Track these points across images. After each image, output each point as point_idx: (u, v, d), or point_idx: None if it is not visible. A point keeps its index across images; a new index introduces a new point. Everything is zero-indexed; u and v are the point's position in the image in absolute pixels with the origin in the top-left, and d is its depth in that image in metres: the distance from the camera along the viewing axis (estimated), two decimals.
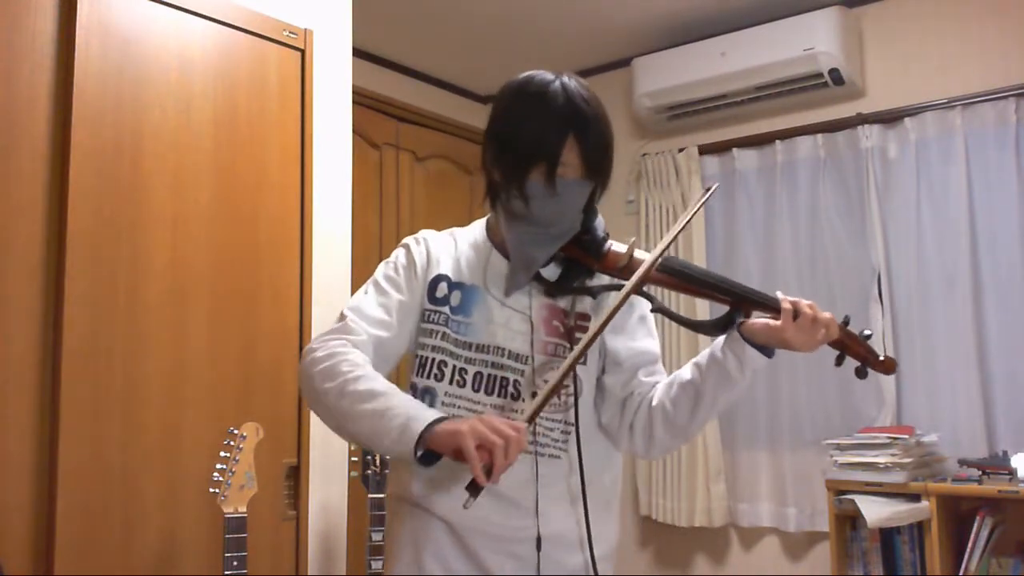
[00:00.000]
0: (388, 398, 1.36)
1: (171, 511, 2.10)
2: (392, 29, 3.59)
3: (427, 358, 1.50)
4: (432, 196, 4.00)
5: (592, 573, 1.47)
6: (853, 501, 2.91)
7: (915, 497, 2.85)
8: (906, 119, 3.28)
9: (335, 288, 2.52)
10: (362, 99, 3.32)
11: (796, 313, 1.40)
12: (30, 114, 1.96)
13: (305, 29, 2.50)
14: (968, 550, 2.80)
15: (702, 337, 3.55)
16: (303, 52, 2.48)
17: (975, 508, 2.86)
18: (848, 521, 3.04)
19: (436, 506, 1.46)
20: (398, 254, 1.58)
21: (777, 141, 3.57)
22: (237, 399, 2.25)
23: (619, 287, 1.45)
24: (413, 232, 1.63)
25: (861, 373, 1.52)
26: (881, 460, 2.91)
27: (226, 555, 1.98)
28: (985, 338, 3.08)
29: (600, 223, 1.53)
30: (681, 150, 3.77)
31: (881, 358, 1.53)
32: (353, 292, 1.69)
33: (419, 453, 1.32)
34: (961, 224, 3.13)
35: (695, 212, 1.54)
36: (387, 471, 2.38)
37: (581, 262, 1.49)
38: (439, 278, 1.53)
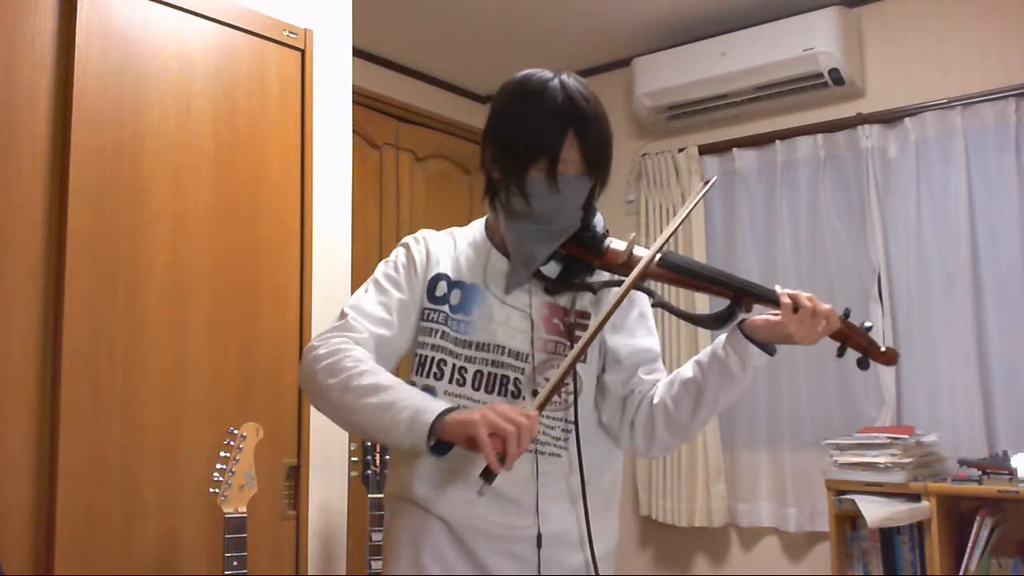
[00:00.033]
0: (394, 391, 1.36)
1: (171, 511, 2.10)
2: (392, 29, 3.59)
3: (426, 357, 1.50)
4: (432, 196, 4.00)
5: (593, 572, 1.47)
6: (853, 501, 2.91)
7: (915, 497, 2.85)
8: (906, 119, 3.29)
9: (335, 288, 2.52)
10: (362, 99, 3.32)
11: (796, 306, 1.41)
12: (30, 114, 1.96)
13: (305, 29, 2.50)
14: (968, 550, 2.80)
15: (702, 334, 3.57)
16: (303, 52, 2.48)
17: (975, 508, 2.86)
18: (848, 521, 3.04)
19: (435, 505, 1.46)
20: (398, 253, 1.58)
21: (777, 141, 3.57)
22: (237, 399, 2.25)
23: (619, 283, 1.45)
24: (413, 232, 1.63)
25: (863, 364, 1.52)
26: (881, 460, 2.91)
27: (226, 555, 1.98)
28: (985, 338, 3.08)
29: (599, 220, 1.53)
30: (681, 150, 3.77)
31: (882, 349, 1.53)
32: (353, 292, 1.69)
33: (431, 444, 1.32)
34: (961, 224, 3.13)
35: (695, 205, 1.54)
36: (387, 471, 2.38)
37: (581, 259, 1.50)
38: (438, 277, 1.53)
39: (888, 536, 2.96)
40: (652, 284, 1.50)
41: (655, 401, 1.51)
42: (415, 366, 1.51)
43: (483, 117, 1.53)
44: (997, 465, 2.79)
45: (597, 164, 1.46)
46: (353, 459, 2.53)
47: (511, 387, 1.46)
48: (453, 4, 3.42)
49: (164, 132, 2.16)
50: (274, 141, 2.40)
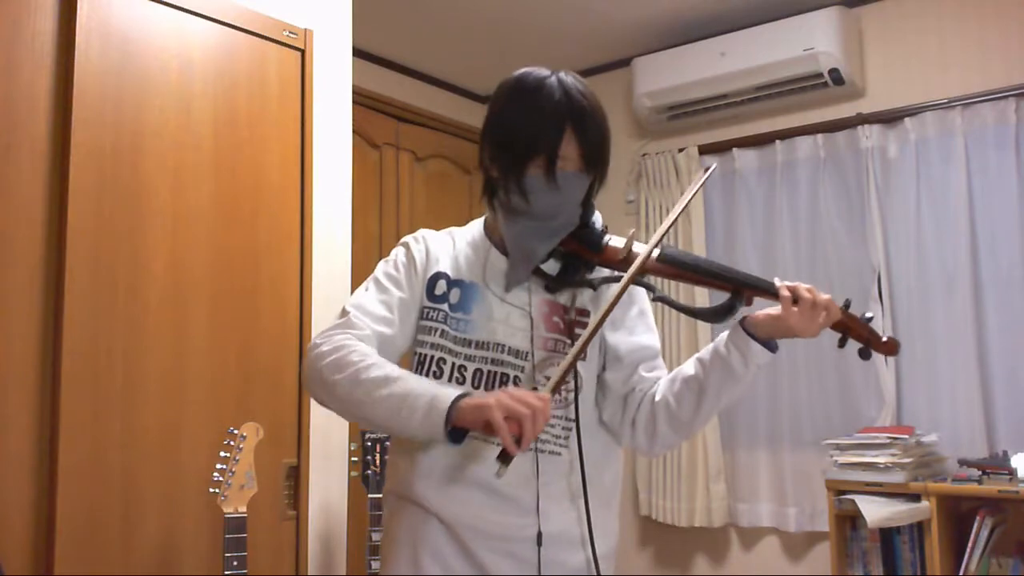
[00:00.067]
0: (405, 381, 1.37)
1: (171, 511, 2.10)
2: (392, 29, 3.59)
3: (426, 355, 1.50)
4: (432, 196, 4.00)
5: (594, 571, 1.47)
6: (853, 501, 2.91)
7: (915, 497, 2.85)
8: (906, 119, 3.29)
9: (335, 288, 2.52)
10: (362, 99, 3.32)
11: (795, 298, 1.41)
12: (30, 114, 1.96)
13: (305, 29, 2.50)
14: (968, 550, 2.80)
15: (702, 331, 3.57)
16: (303, 52, 2.48)
17: (975, 508, 2.86)
18: (848, 521, 3.04)
19: (434, 504, 1.46)
20: (398, 252, 1.58)
21: (777, 141, 3.57)
22: (237, 399, 2.25)
23: (619, 279, 1.45)
24: (413, 232, 1.63)
25: (864, 355, 1.51)
26: (881, 460, 2.91)
27: (226, 555, 1.98)
28: (985, 338, 3.08)
29: (598, 217, 1.54)
30: (681, 150, 3.77)
31: (883, 339, 1.52)
32: (353, 292, 1.69)
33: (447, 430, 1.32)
34: (961, 224, 3.13)
35: (695, 194, 1.53)
36: (386, 469, 2.38)
37: (581, 256, 1.50)
38: (438, 275, 1.53)
39: (888, 536, 2.96)
40: (652, 279, 1.50)
41: (657, 399, 1.51)
42: (415, 365, 1.51)
43: (483, 117, 1.53)
44: (997, 465, 2.79)
45: (595, 160, 1.46)
46: (353, 459, 2.53)
47: (511, 385, 1.46)
48: (453, 4, 3.42)
49: (164, 132, 2.16)
50: (274, 141, 2.40)
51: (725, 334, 1.47)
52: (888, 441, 2.92)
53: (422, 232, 1.61)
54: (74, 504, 1.93)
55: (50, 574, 1.89)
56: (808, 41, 3.29)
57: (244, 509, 2.03)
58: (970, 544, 2.80)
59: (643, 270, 1.45)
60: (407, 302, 1.52)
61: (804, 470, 3.39)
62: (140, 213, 2.10)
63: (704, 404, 1.47)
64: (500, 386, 1.47)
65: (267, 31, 2.40)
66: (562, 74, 1.47)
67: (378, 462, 2.49)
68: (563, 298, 1.51)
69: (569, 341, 1.49)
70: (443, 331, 1.50)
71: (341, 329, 1.46)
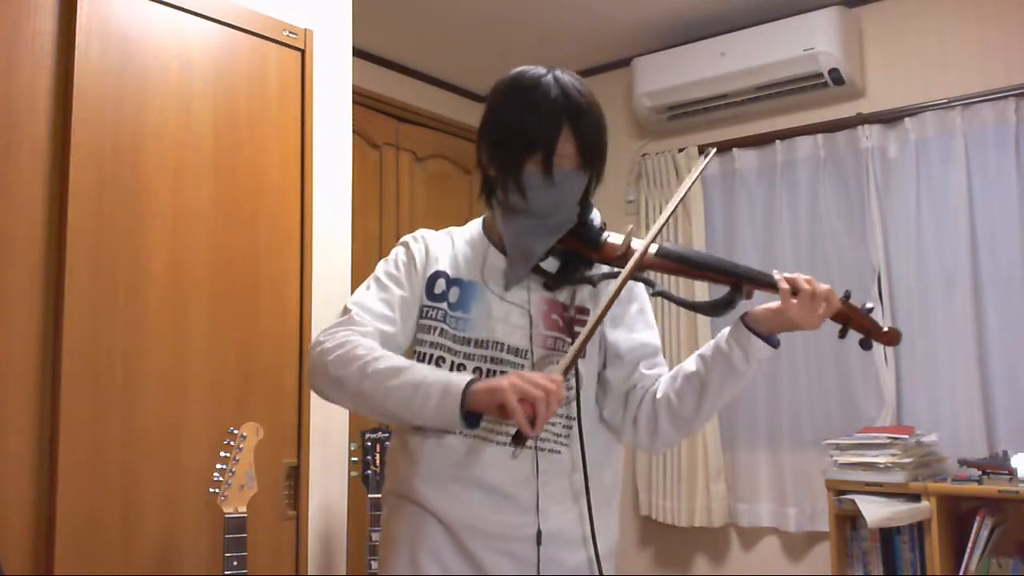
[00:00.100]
0: (414, 371, 1.38)
1: (171, 511, 2.10)
2: (392, 29, 3.59)
3: (425, 354, 1.50)
4: (432, 196, 4.00)
5: (595, 571, 1.47)
6: (853, 501, 2.91)
7: (915, 497, 2.85)
8: (906, 119, 3.29)
9: (335, 288, 2.52)
10: (362, 99, 3.32)
11: (795, 289, 1.40)
12: (30, 114, 1.96)
13: (305, 29, 2.50)
14: (968, 550, 2.80)
15: (701, 327, 3.57)
16: (303, 52, 2.48)
17: (975, 508, 2.86)
18: (848, 521, 3.04)
19: (433, 504, 1.46)
20: (397, 252, 1.59)
21: (777, 141, 3.57)
22: (237, 399, 2.25)
23: (618, 275, 1.45)
24: (413, 232, 1.63)
25: (865, 345, 1.51)
26: (881, 460, 2.91)
27: (226, 555, 1.98)
28: (985, 338, 3.08)
29: (596, 214, 1.53)
30: (681, 150, 3.77)
31: (884, 330, 1.50)
32: (353, 292, 1.69)
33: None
34: (961, 224, 3.13)
35: (695, 179, 1.53)
36: (386, 468, 2.38)
37: (579, 253, 1.50)
38: (437, 274, 1.54)
39: (888, 536, 2.96)
40: (651, 274, 1.50)
41: (658, 396, 1.51)
42: None
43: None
44: (997, 465, 2.79)
45: (592, 158, 1.46)
46: (353, 459, 2.53)
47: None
48: (453, 4, 3.42)
49: (164, 132, 2.16)
50: (274, 141, 2.40)
51: (726, 330, 1.47)
52: (888, 441, 2.92)
53: (421, 232, 1.62)
54: (74, 504, 1.93)
55: (50, 574, 1.89)
56: (808, 41, 3.29)
57: (244, 509, 2.03)
58: (970, 544, 2.80)
59: (642, 265, 1.45)
60: (408, 300, 1.52)
61: (804, 470, 3.39)
62: (140, 213, 2.10)
63: (706, 401, 1.47)
64: None
65: (267, 31, 2.40)
66: (558, 72, 1.47)
67: (378, 462, 2.49)
68: (562, 296, 1.52)
69: (569, 339, 1.49)
70: (442, 330, 1.50)
71: (343, 326, 1.46)
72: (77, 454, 1.94)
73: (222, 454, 2.06)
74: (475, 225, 1.62)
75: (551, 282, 1.50)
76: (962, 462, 2.89)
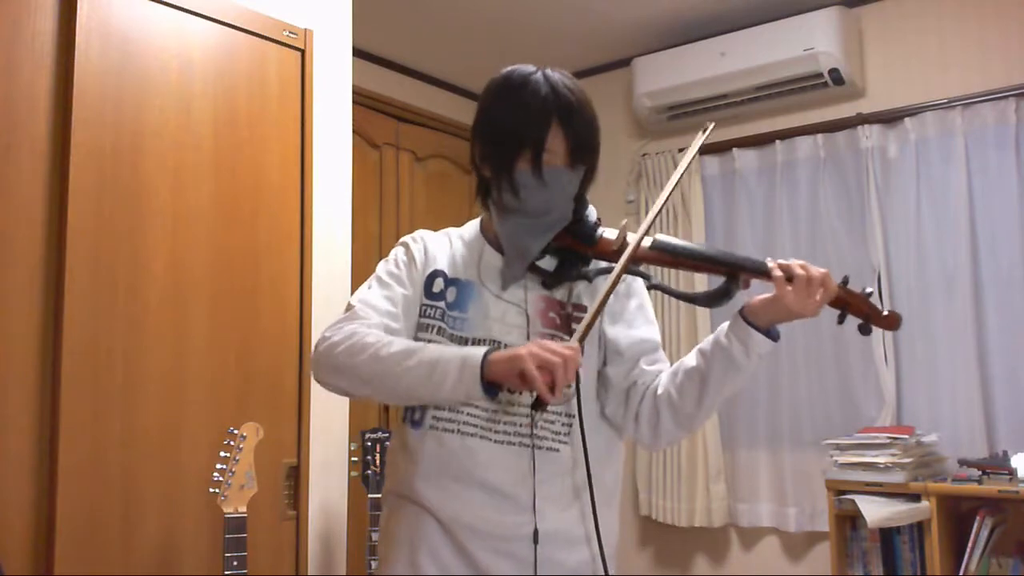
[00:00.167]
0: (428, 350, 1.39)
1: (171, 511, 2.10)
2: (392, 29, 3.59)
3: None
4: (432, 196, 4.01)
5: (597, 570, 1.46)
6: (853, 501, 2.91)
7: (915, 497, 2.85)
8: (906, 119, 3.29)
9: (335, 288, 2.52)
10: (362, 99, 3.32)
11: (789, 276, 1.39)
12: (30, 114, 1.96)
13: (305, 29, 2.50)
14: (968, 550, 2.80)
15: (701, 321, 3.57)
16: (303, 52, 2.48)
17: (975, 508, 2.86)
18: (848, 521, 3.04)
19: (432, 503, 1.45)
20: (397, 251, 1.59)
21: (777, 141, 3.57)
22: (237, 399, 2.25)
23: (613, 270, 1.44)
24: (412, 232, 1.64)
25: (864, 330, 1.48)
26: (881, 460, 2.91)
27: (226, 555, 1.98)
28: (985, 338, 3.08)
29: (592, 211, 1.53)
30: (681, 150, 3.77)
31: (884, 314, 1.48)
32: (353, 292, 1.69)
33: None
34: (961, 224, 3.13)
35: (691, 159, 1.52)
36: (386, 468, 2.38)
37: (575, 250, 1.50)
38: (435, 273, 1.54)
39: (888, 536, 2.96)
40: (647, 268, 1.50)
41: (659, 392, 1.50)
42: None
43: None
44: (997, 465, 2.79)
45: (584, 155, 1.46)
46: (353, 459, 2.53)
47: (501, 395, 1.46)
48: (453, 4, 3.42)
49: (164, 132, 2.16)
50: (274, 141, 2.40)
51: (725, 324, 1.46)
52: (888, 441, 2.92)
53: (420, 232, 1.62)
54: (74, 504, 1.93)
55: (50, 574, 1.89)
56: (808, 41, 3.29)
57: (244, 509, 2.03)
58: (970, 544, 2.80)
59: (637, 259, 1.44)
60: (410, 298, 1.53)
61: (804, 470, 3.39)
62: (140, 213, 2.10)
63: (707, 396, 1.46)
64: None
65: (267, 31, 2.40)
66: (548, 70, 1.47)
67: (378, 462, 2.49)
68: (559, 293, 1.52)
69: (566, 337, 1.49)
70: (440, 328, 1.50)
71: (348, 321, 1.47)
72: (77, 454, 1.94)
73: (222, 454, 2.06)
74: (473, 225, 1.62)
75: (548, 280, 1.50)
76: (962, 462, 2.89)
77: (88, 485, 1.96)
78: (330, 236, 2.54)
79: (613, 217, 1.57)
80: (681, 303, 3.57)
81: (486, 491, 1.43)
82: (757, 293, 1.44)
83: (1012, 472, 2.74)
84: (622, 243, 1.47)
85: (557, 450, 1.46)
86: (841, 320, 1.47)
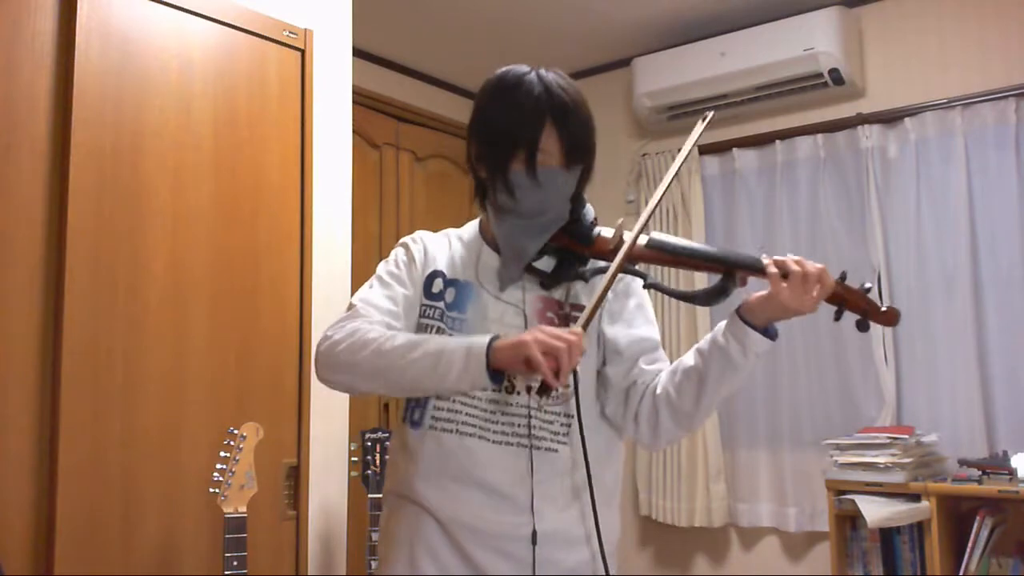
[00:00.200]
0: (431, 341, 1.39)
1: (171, 511, 2.10)
2: (392, 29, 3.59)
3: None
4: (432, 196, 4.01)
5: (597, 569, 1.46)
6: (853, 501, 2.91)
7: (915, 497, 2.85)
8: (906, 119, 3.29)
9: (335, 288, 2.52)
10: (362, 99, 3.32)
11: (784, 273, 1.37)
12: (30, 114, 1.96)
13: (305, 29, 2.50)
14: (968, 550, 2.80)
15: (701, 320, 3.57)
16: (303, 52, 2.48)
17: (975, 508, 2.86)
18: (848, 521, 3.04)
19: (432, 503, 1.46)
20: (397, 252, 1.60)
21: (777, 141, 3.57)
22: (237, 399, 2.25)
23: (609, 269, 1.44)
24: (412, 232, 1.64)
25: (862, 326, 1.45)
26: (881, 460, 2.91)
27: (226, 555, 1.98)
28: (985, 338, 3.08)
29: (589, 210, 1.52)
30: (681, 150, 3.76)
31: (883, 309, 1.46)
32: (353, 292, 1.69)
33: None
34: (961, 224, 3.13)
35: (689, 151, 1.52)
36: (386, 468, 2.38)
37: (572, 250, 1.49)
38: (435, 274, 1.54)
39: (888, 536, 2.96)
40: (643, 267, 1.50)
41: (658, 391, 1.50)
42: None
43: None
44: (997, 465, 2.79)
45: (579, 155, 1.46)
46: (353, 459, 2.53)
47: (505, 383, 1.46)
48: (453, 4, 3.42)
49: (164, 132, 2.16)
50: (274, 141, 2.40)
51: (723, 323, 1.45)
52: (888, 441, 2.92)
53: (419, 233, 1.62)
54: (74, 504, 1.93)
55: (50, 574, 1.89)
56: (808, 41, 3.29)
57: (244, 509, 2.03)
58: (970, 544, 2.80)
59: (633, 257, 1.44)
60: (411, 298, 1.53)
61: (804, 470, 3.39)
62: (140, 213, 2.10)
63: (705, 395, 1.45)
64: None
65: (267, 31, 2.40)
66: (542, 70, 1.47)
67: (378, 462, 2.49)
68: (557, 293, 1.52)
69: None
70: (439, 329, 1.50)
71: (350, 319, 1.47)
72: (77, 454, 1.94)
73: (222, 454, 2.06)
74: (472, 226, 1.63)
75: (547, 281, 1.50)
76: (962, 462, 2.89)
77: (88, 485, 1.96)
78: (330, 236, 2.54)
79: (613, 217, 1.57)
80: (681, 302, 3.58)
81: (484, 491, 1.43)
82: (755, 291, 1.42)
83: (1012, 472, 2.74)
84: (618, 242, 1.46)
85: (556, 450, 1.46)
86: (838, 317, 1.45)
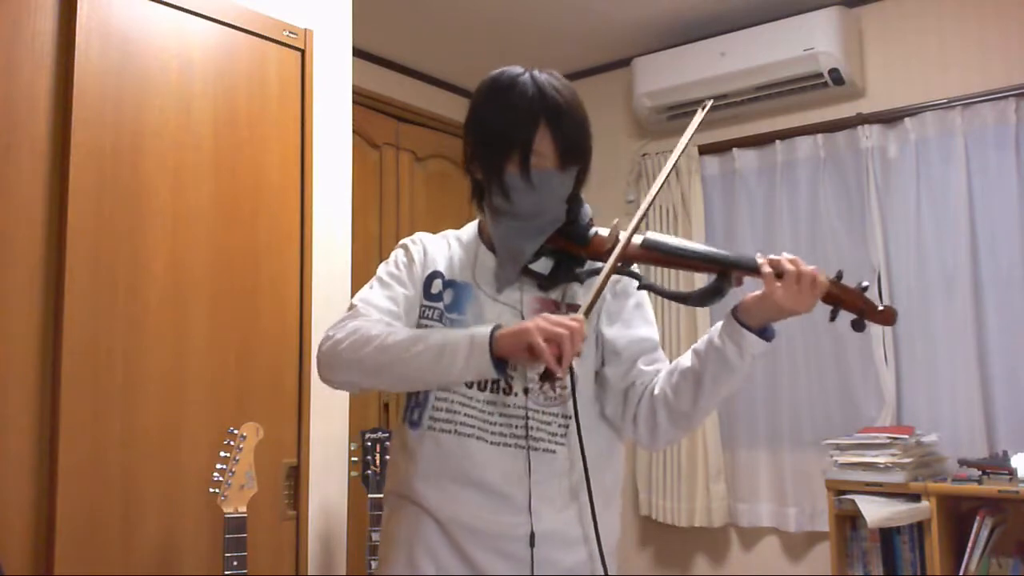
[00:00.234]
0: (434, 334, 1.40)
1: (171, 511, 2.10)
2: (392, 29, 3.59)
3: None
4: (432, 196, 4.01)
5: (596, 569, 1.46)
6: (853, 501, 2.91)
7: (915, 497, 2.85)
8: (906, 119, 3.29)
9: (335, 288, 2.52)
10: (362, 99, 3.32)
11: (779, 272, 1.37)
12: (30, 114, 1.96)
13: (305, 29, 2.50)
14: (968, 550, 2.80)
15: (701, 321, 3.57)
16: (303, 52, 2.48)
17: (975, 508, 2.86)
18: (848, 521, 3.04)
19: (432, 503, 1.46)
20: (397, 253, 1.60)
21: (777, 141, 3.57)
22: (237, 399, 2.25)
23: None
24: (412, 232, 1.65)
25: (858, 326, 1.44)
26: (881, 460, 2.91)
27: (226, 555, 1.98)
28: (985, 338, 3.08)
29: (586, 211, 1.51)
30: None
31: (880, 308, 1.45)
32: (353, 293, 1.69)
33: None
34: (961, 224, 3.13)
35: (688, 142, 1.51)
36: (387, 469, 2.38)
37: (568, 251, 1.49)
38: (434, 275, 1.55)
39: (888, 536, 2.96)
40: (638, 268, 1.50)
41: (655, 392, 1.49)
42: None
43: None
44: (997, 465, 2.79)
45: (573, 156, 1.45)
46: (353, 459, 2.53)
47: (502, 383, 1.46)
48: (453, 4, 3.42)
49: (164, 132, 2.16)
50: (274, 141, 2.40)
51: (719, 324, 1.44)
52: (888, 441, 2.92)
53: (418, 235, 1.63)
54: (74, 504, 1.93)
55: (50, 574, 1.89)
56: (808, 41, 3.29)
57: (244, 509, 2.03)
58: (970, 544, 2.80)
59: (628, 258, 1.43)
60: (411, 299, 1.53)
61: (804, 470, 3.39)
62: (140, 213, 2.10)
63: (702, 397, 1.45)
64: (492, 384, 1.47)
65: (267, 31, 2.40)
66: (536, 71, 1.47)
67: (378, 462, 2.49)
68: (554, 294, 1.52)
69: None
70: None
71: (351, 319, 1.47)
72: (77, 454, 1.94)
73: (222, 454, 2.06)
74: (471, 227, 1.63)
75: (544, 283, 1.50)
76: (962, 462, 2.89)
77: (88, 485, 1.96)
78: (330, 236, 2.54)
79: (613, 217, 1.57)
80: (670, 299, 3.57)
81: (482, 491, 1.43)
82: (752, 291, 1.41)
83: (1012, 472, 2.74)
84: (614, 242, 1.46)
85: (553, 451, 1.46)
86: (833, 317, 1.43)
